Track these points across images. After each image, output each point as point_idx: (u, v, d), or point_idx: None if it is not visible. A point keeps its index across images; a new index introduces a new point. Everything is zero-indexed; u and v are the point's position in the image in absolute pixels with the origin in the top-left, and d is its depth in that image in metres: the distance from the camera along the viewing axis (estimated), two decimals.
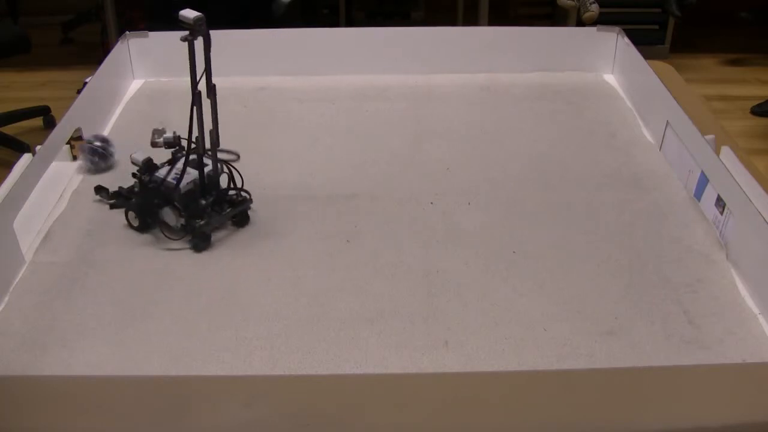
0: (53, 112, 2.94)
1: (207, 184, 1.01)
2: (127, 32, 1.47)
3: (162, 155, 1.03)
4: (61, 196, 1.10)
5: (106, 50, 1.44)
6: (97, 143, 1.16)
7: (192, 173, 1.00)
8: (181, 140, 1.00)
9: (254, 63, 1.51)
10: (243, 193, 1.04)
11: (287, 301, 0.90)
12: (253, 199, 1.04)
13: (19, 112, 2.87)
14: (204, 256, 0.98)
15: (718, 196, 1.01)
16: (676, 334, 0.84)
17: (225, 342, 0.83)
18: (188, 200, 0.99)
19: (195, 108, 0.95)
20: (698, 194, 1.08)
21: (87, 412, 0.67)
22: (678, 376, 0.73)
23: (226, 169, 1.04)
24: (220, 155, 1.02)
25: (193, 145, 0.98)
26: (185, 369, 0.80)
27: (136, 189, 1.04)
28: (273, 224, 1.04)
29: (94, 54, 2.70)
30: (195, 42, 0.93)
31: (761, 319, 0.87)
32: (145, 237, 1.01)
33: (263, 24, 1.57)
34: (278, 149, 1.25)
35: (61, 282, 0.93)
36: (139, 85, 1.48)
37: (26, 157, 1.12)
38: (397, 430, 0.66)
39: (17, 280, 0.93)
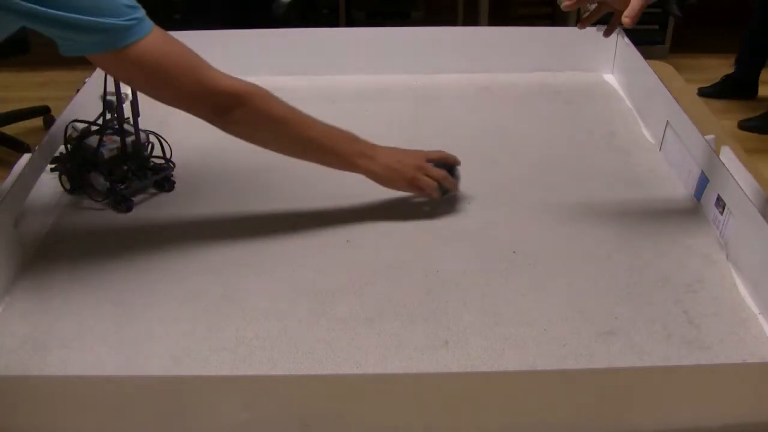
0: (53, 112, 2.94)
1: (130, 152, 1.09)
2: None
3: None
4: (60, 195, 1.10)
5: None
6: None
7: (117, 141, 1.08)
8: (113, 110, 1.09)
9: (254, 63, 1.51)
10: (168, 162, 1.13)
11: (287, 301, 0.90)
12: (251, 198, 1.05)
13: (19, 112, 2.87)
14: (204, 256, 0.98)
15: (718, 196, 1.01)
16: (676, 334, 0.84)
17: (225, 342, 0.83)
18: (112, 166, 1.08)
19: (113, 81, 1.03)
20: (698, 194, 1.08)
21: (87, 412, 0.67)
22: (678, 376, 0.73)
23: (153, 138, 1.13)
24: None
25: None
26: (185, 369, 0.80)
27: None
28: (273, 224, 1.04)
29: None
30: None
31: (761, 319, 0.87)
32: (145, 237, 1.01)
33: (263, 24, 1.57)
34: None
35: (62, 282, 0.93)
36: None
37: (26, 157, 1.12)
38: (398, 430, 0.66)
39: (17, 280, 0.93)
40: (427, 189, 1.03)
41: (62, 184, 1.10)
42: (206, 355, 0.82)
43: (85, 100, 1.22)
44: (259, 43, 1.50)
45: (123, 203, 1.07)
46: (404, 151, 1.05)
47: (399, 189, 1.05)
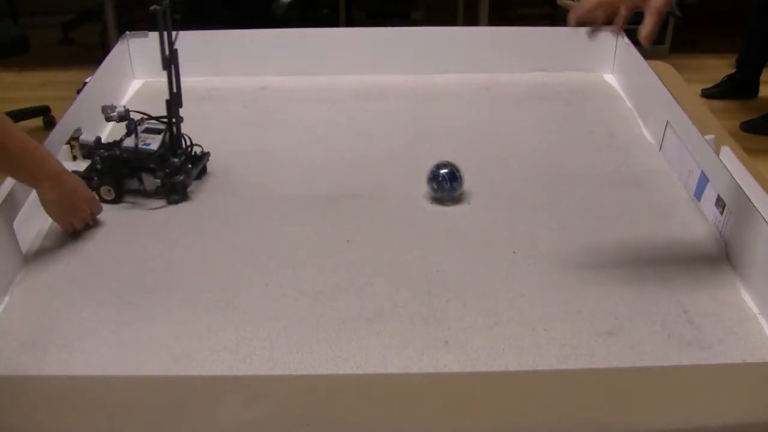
0: (53, 112, 2.94)
1: (173, 144, 1.10)
2: (127, 32, 1.47)
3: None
4: None
5: (106, 50, 1.43)
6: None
7: (156, 137, 1.08)
8: (130, 112, 1.09)
9: (254, 63, 1.51)
10: (197, 148, 1.15)
11: (287, 301, 0.90)
12: (251, 198, 1.04)
13: (19, 112, 2.87)
14: (204, 256, 0.98)
15: (718, 196, 1.01)
16: (676, 334, 0.84)
17: (225, 342, 0.83)
18: (163, 161, 1.08)
19: (171, 68, 1.04)
20: (698, 194, 1.08)
21: (87, 412, 0.67)
22: (678, 376, 0.73)
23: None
24: (153, 123, 1.11)
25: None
26: (185, 369, 0.80)
27: (98, 166, 1.09)
28: (273, 224, 1.04)
29: (94, 54, 2.69)
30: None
31: (761, 319, 0.87)
32: (145, 237, 1.01)
33: (263, 24, 1.57)
34: (278, 149, 1.25)
35: (61, 282, 0.93)
36: (139, 85, 1.48)
37: None
38: (397, 430, 0.66)
39: (17, 280, 0.93)
40: (75, 226, 1.01)
41: (101, 197, 1.07)
42: (206, 355, 0.82)
43: (85, 103, 1.22)
44: (259, 43, 1.50)
45: (180, 193, 1.09)
46: (80, 190, 1.00)
47: (58, 222, 1.01)
